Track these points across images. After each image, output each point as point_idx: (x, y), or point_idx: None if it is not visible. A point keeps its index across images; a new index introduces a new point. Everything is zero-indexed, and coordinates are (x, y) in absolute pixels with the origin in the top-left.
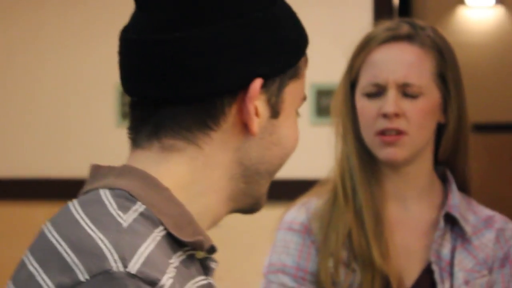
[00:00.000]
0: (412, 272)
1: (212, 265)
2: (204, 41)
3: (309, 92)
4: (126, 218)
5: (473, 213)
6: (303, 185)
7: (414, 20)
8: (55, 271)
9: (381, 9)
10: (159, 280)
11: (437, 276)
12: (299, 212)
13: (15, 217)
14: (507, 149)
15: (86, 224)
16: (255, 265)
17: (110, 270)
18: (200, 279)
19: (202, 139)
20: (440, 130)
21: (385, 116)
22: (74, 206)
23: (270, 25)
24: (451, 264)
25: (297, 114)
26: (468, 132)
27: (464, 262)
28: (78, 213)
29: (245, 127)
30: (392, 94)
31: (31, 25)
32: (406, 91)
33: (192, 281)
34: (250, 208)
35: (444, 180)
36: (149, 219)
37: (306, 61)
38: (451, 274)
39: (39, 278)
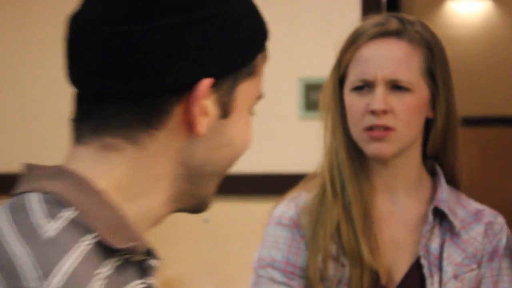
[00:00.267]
0: (401, 266)
1: (153, 263)
2: (151, 37)
3: (297, 87)
4: (52, 228)
5: (462, 207)
6: (293, 179)
7: (403, 15)
8: None
9: (369, 4)
10: None
11: (426, 270)
12: (288, 206)
13: None
14: (496, 143)
15: (9, 235)
16: (245, 260)
17: None
18: (136, 284)
19: (145, 138)
20: (429, 124)
21: (373, 112)
22: (1, 211)
23: (223, 22)
24: (440, 258)
25: (251, 113)
26: (457, 127)
27: (453, 256)
28: (3, 221)
29: (191, 127)
30: (380, 91)
31: (18, 23)
32: (394, 87)
33: (127, 287)
34: (195, 209)
35: (433, 174)
36: (80, 226)
37: (264, 58)
38: (440, 269)
39: None
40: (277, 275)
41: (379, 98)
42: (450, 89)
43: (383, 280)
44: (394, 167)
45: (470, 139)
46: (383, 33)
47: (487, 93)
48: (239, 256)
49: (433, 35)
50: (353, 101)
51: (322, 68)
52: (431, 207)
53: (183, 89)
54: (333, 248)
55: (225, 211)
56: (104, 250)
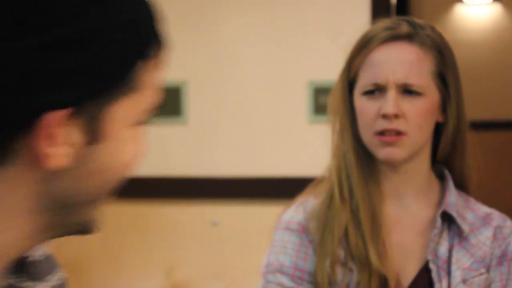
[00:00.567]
0: (409, 271)
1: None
2: None
3: (307, 90)
4: None
5: (470, 211)
6: (301, 183)
7: (413, 19)
8: None
9: (379, 7)
10: None
11: (434, 275)
12: (296, 211)
13: None
14: (504, 147)
15: None
16: (252, 264)
17: None
18: None
19: None
20: (438, 128)
21: (385, 116)
22: None
23: (81, 43)
24: (449, 262)
25: (139, 124)
26: (466, 131)
27: (461, 261)
28: None
29: (43, 161)
30: (392, 95)
31: None
32: (405, 92)
33: None
34: (77, 233)
35: (442, 179)
36: None
37: (152, 66)
38: (449, 273)
39: None
40: (285, 280)
41: (390, 102)
42: (460, 93)
43: (392, 284)
44: (404, 171)
45: (478, 143)
46: (395, 37)
47: (496, 97)
48: (247, 260)
49: (443, 39)
50: (364, 105)
51: (331, 72)
52: (440, 211)
53: (25, 123)
54: (341, 253)
55: (234, 215)
56: None
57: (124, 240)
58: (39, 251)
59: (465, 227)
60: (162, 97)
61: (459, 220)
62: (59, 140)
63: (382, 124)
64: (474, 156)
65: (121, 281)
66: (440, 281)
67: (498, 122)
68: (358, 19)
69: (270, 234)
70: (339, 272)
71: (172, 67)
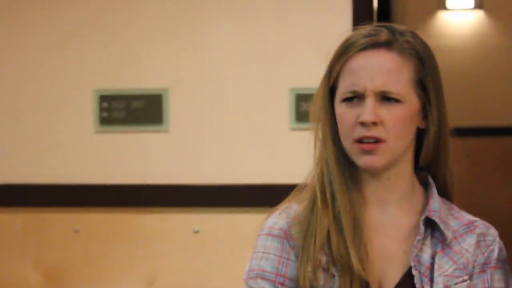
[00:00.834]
0: (392, 277)
1: None
2: None
3: (288, 98)
4: None
5: (454, 218)
6: (283, 191)
7: (394, 25)
8: None
9: (361, 14)
10: None
11: (417, 281)
12: (279, 217)
13: None
14: (486, 154)
15: None
16: (236, 272)
17: None
18: None
19: None
20: (421, 135)
21: (363, 124)
22: None
23: None
24: (431, 269)
25: None
26: (448, 137)
27: (444, 267)
28: None
29: None
30: (370, 102)
31: (8, 31)
32: (384, 99)
33: None
34: None
35: (425, 186)
36: None
37: None
38: (431, 279)
39: None
40: (267, 286)
41: (368, 110)
42: (441, 99)
43: None
44: (386, 178)
45: (460, 149)
46: (373, 44)
47: (477, 103)
48: (230, 268)
49: (424, 45)
50: (343, 112)
51: (313, 79)
52: (423, 217)
53: None
54: (323, 258)
55: (216, 223)
56: None
57: (106, 249)
58: None
59: (448, 234)
60: (144, 105)
61: (442, 227)
62: None
63: (361, 132)
64: (457, 163)
65: None
66: (422, 287)
67: (479, 129)
68: (340, 26)
69: (253, 242)
70: (321, 277)
71: (153, 74)
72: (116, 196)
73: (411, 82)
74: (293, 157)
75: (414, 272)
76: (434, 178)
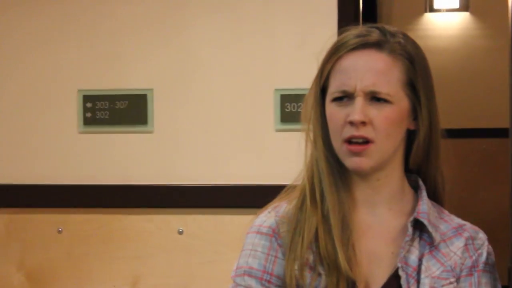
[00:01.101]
0: (379, 277)
1: None
2: None
3: (273, 98)
4: None
5: (443, 221)
6: (268, 191)
7: (386, 26)
8: None
9: (346, 15)
10: None
11: (403, 282)
12: (268, 216)
13: None
14: (472, 155)
15: None
16: (219, 274)
17: None
18: None
19: None
20: (411, 137)
21: (352, 123)
22: None
23: None
24: (418, 270)
25: None
26: (439, 140)
27: (431, 269)
28: None
29: None
30: (359, 102)
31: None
32: (374, 99)
33: None
34: None
35: (416, 189)
36: None
37: None
38: (418, 281)
39: None
40: (253, 283)
41: (357, 109)
42: (432, 101)
43: None
44: (375, 180)
45: (448, 151)
46: (364, 45)
47: (463, 104)
48: (214, 269)
49: (415, 47)
50: (333, 111)
51: (298, 80)
52: (411, 218)
53: None
54: (310, 257)
55: (200, 224)
56: None
57: (90, 250)
58: None
59: (436, 236)
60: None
61: (430, 229)
62: None
63: (350, 131)
64: (447, 165)
65: None
66: None
67: (465, 130)
68: (326, 27)
69: (237, 243)
70: (307, 275)
71: (138, 74)
72: (100, 197)
73: (401, 83)
74: (278, 158)
75: (401, 273)
76: (424, 181)
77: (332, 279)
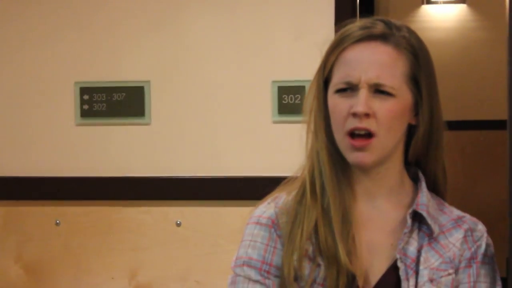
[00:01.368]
0: (378, 269)
1: None
2: None
3: (271, 90)
4: None
5: (443, 213)
6: (265, 183)
7: (391, 20)
8: None
9: (343, 7)
10: None
11: (402, 273)
12: (268, 207)
13: None
14: (470, 147)
15: None
16: (217, 266)
17: None
18: None
19: None
20: (412, 131)
21: (355, 115)
22: None
23: None
24: (417, 261)
25: None
26: (441, 135)
27: (430, 261)
28: None
29: None
30: (363, 94)
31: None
32: (377, 92)
33: None
34: None
35: (416, 180)
36: None
37: None
38: (417, 272)
39: None
40: (252, 274)
41: (361, 101)
42: (434, 97)
43: (360, 282)
44: (375, 173)
45: (449, 143)
46: (369, 36)
47: (461, 96)
48: (212, 261)
49: (419, 42)
50: (336, 103)
51: (296, 72)
52: (410, 210)
53: None
54: (309, 248)
55: (198, 215)
56: None
57: (88, 242)
58: None
59: (435, 228)
60: (125, 97)
61: (429, 221)
62: None
63: (353, 123)
64: (449, 158)
65: (83, 283)
66: (407, 279)
67: (462, 122)
68: (322, 19)
69: (235, 234)
70: (306, 266)
71: (135, 66)
72: (98, 189)
73: (405, 77)
74: (276, 149)
75: (399, 264)
76: (424, 173)
77: (332, 272)
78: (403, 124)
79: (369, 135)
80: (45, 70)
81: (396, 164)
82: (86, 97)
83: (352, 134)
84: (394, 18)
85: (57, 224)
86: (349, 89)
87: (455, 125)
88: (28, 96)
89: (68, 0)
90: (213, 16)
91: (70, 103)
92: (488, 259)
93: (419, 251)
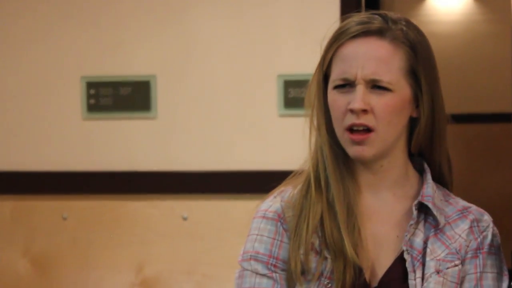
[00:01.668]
0: (384, 261)
1: None
2: None
3: (276, 84)
4: None
5: (448, 204)
6: (272, 177)
7: (388, 13)
8: None
9: (348, 2)
10: None
11: (408, 265)
12: (274, 201)
13: None
14: (476, 140)
15: None
16: (224, 259)
17: None
18: None
19: None
20: (415, 123)
21: (353, 111)
22: None
23: None
24: (423, 253)
25: None
26: (445, 126)
27: (436, 252)
28: None
29: None
30: (360, 90)
31: None
32: (374, 87)
33: None
34: None
35: (421, 172)
36: None
37: None
38: (423, 263)
39: None
40: (260, 268)
41: (358, 97)
42: (435, 88)
43: (367, 274)
44: (378, 166)
45: (451, 135)
46: (365, 32)
47: (467, 90)
48: (218, 255)
49: (418, 34)
50: (334, 99)
51: (302, 65)
52: (416, 201)
53: None
54: (316, 241)
55: (204, 210)
56: None
57: (93, 236)
58: None
59: (441, 219)
60: (131, 92)
61: (435, 212)
62: None
63: (351, 119)
64: (454, 151)
65: (90, 277)
66: (414, 271)
67: (468, 115)
68: (328, 12)
69: (241, 229)
70: (313, 259)
71: (141, 61)
72: (104, 183)
73: (403, 71)
74: (282, 143)
75: (406, 256)
76: (429, 164)
77: (339, 265)
78: (403, 118)
79: (368, 130)
80: (52, 65)
81: (399, 156)
82: (92, 91)
83: (351, 129)
84: (399, 11)
85: (64, 218)
86: (347, 85)
87: (460, 119)
88: (35, 91)
89: None
90: (220, 11)
91: (76, 97)
92: (495, 249)
93: (425, 243)
